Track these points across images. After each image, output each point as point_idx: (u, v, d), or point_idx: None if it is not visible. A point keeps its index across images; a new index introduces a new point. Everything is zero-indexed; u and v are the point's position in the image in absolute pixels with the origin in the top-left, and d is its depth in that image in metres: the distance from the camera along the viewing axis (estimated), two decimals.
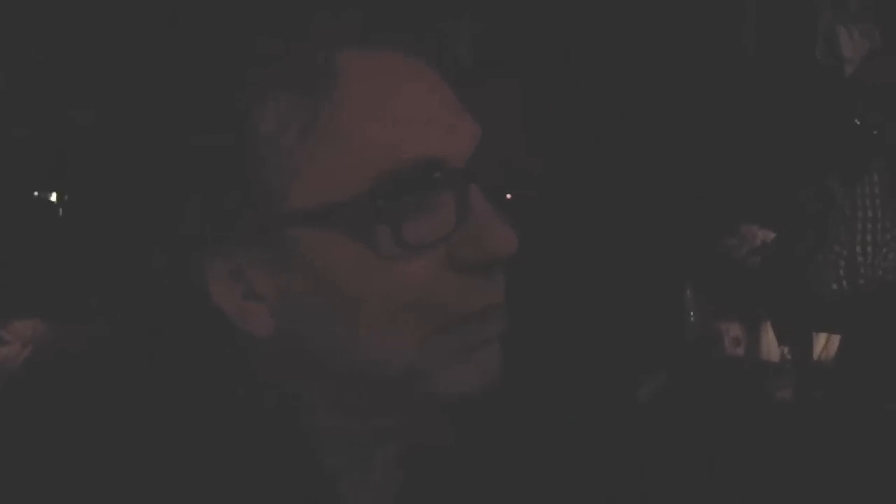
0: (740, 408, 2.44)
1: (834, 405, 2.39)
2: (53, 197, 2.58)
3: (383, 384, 0.72)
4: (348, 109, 0.69)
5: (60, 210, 2.54)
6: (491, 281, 0.73)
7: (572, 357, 2.71)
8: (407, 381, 0.72)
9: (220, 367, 0.74)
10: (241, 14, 0.72)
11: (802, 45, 3.26)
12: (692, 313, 2.68)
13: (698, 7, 3.07)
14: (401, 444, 0.79)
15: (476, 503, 0.83)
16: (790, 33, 3.29)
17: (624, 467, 0.97)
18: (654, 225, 2.80)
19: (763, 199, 2.86)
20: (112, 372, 0.78)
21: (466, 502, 0.82)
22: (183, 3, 0.75)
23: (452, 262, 0.71)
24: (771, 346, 2.52)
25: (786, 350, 2.53)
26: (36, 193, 2.52)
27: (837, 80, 3.19)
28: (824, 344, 2.53)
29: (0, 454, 0.74)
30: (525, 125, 2.67)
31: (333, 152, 0.68)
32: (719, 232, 2.82)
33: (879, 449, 2.25)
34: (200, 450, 0.73)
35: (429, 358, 0.72)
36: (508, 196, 0.86)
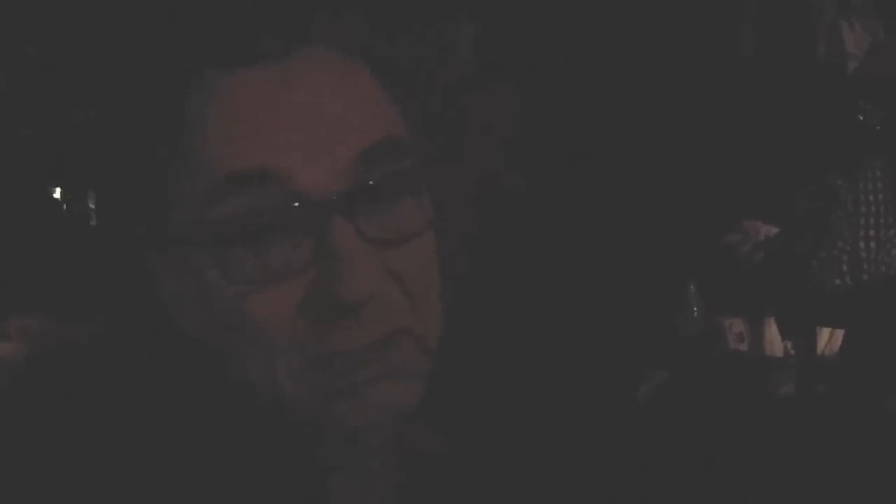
0: (743, 403, 2.45)
1: (837, 400, 2.39)
2: (57, 193, 2.58)
3: (278, 409, 0.71)
4: (204, 125, 0.68)
5: (64, 206, 2.55)
6: (356, 323, 0.68)
7: (575, 354, 2.71)
8: (299, 411, 0.70)
9: (213, 362, 0.74)
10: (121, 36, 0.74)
11: (805, 41, 3.26)
12: (695, 309, 2.69)
13: (700, 3, 3.07)
14: (393, 445, 0.79)
15: (474, 502, 0.82)
16: (792, 28, 3.28)
17: (626, 462, 0.97)
18: (658, 221, 2.80)
19: (766, 195, 2.86)
20: (112, 368, 0.78)
21: (464, 501, 0.82)
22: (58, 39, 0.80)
23: (310, 299, 0.68)
24: (774, 342, 2.53)
25: (789, 345, 2.53)
26: (39, 190, 2.53)
27: (840, 75, 3.19)
28: (828, 339, 2.54)
29: (1, 450, 0.75)
30: (527, 123, 2.67)
31: (185, 168, 0.68)
32: (722, 228, 2.82)
33: (881, 444, 2.26)
34: (198, 445, 0.73)
35: (308, 392, 0.69)
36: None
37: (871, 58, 3.13)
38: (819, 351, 2.52)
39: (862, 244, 2.92)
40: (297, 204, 0.67)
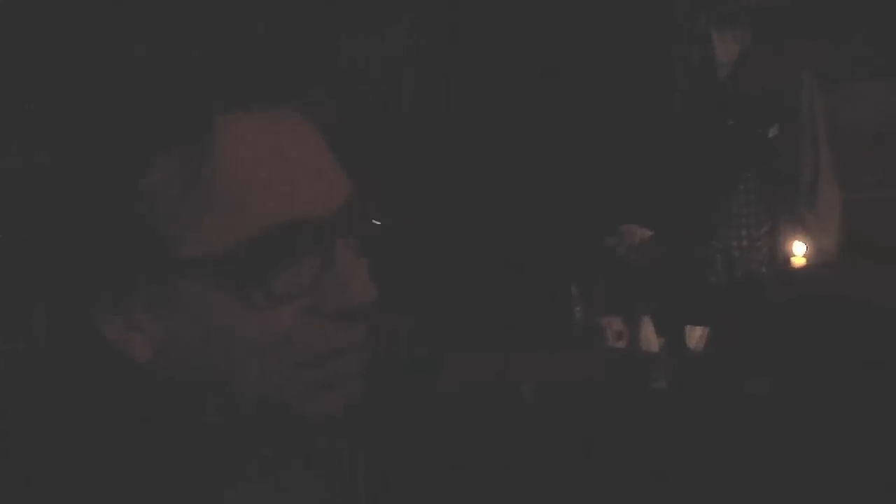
0: (622, 398, 2.56)
1: (706, 390, 2.52)
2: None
3: (258, 412, 0.80)
4: (226, 170, 0.75)
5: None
6: (351, 324, 0.80)
7: (464, 357, 2.77)
8: (277, 409, 0.80)
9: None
10: (131, 75, 0.79)
11: (677, 50, 3.38)
12: (578, 309, 2.79)
13: (576, 17, 3.15)
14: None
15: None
16: (664, 37, 3.39)
17: (514, 459, 1.05)
18: (543, 226, 2.89)
19: (642, 199, 2.97)
20: (30, 390, 0.84)
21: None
22: (78, 67, 0.82)
23: (315, 309, 0.78)
24: (650, 338, 2.64)
25: (663, 341, 2.65)
26: None
27: (713, 83, 3.32)
28: (698, 335, 2.67)
29: None
30: (403, 138, 2.74)
31: (212, 210, 0.75)
32: (602, 231, 2.92)
33: (747, 429, 2.38)
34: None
35: (294, 391, 0.79)
36: (377, 223, 0.90)
37: (741, 66, 3.27)
38: (690, 345, 2.65)
39: (734, 243, 3.08)
40: (310, 233, 0.77)
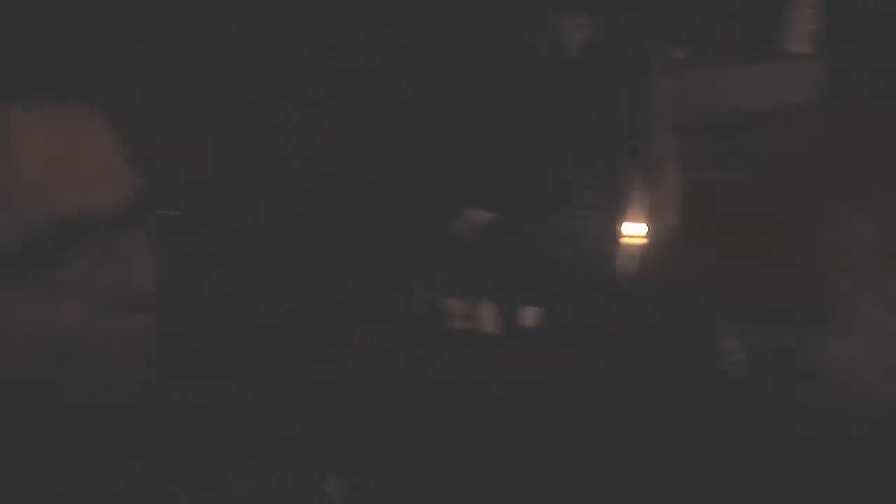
0: (464, 377, 2.62)
1: (542, 370, 2.60)
2: None
3: (49, 404, 0.83)
4: (9, 165, 0.78)
5: None
6: (134, 314, 0.83)
7: (311, 341, 2.78)
8: (65, 399, 0.82)
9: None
10: None
11: (530, 36, 3.41)
12: (422, 290, 2.83)
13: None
14: None
15: None
16: (520, 23, 3.41)
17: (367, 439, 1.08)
18: (388, 209, 2.91)
19: (482, 184, 3.01)
20: None
21: None
22: None
23: (98, 300, 0.81)
24: (490, 319, 2.70)
25: (502, 322, 2.71)
26: None
27: (563, 70, 3.37)
28: (534, 316, 2.74)
29: None
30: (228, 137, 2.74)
31: (2, 201, 0.78)
32: (445, 215, 2.96)
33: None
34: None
35: (80, 381, 0.82)
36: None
37: (584, 52, 3.32)
38: (526, 326, 2.72)
39: (575, 223, 3.15)
40: (95, 224, 0.78)
